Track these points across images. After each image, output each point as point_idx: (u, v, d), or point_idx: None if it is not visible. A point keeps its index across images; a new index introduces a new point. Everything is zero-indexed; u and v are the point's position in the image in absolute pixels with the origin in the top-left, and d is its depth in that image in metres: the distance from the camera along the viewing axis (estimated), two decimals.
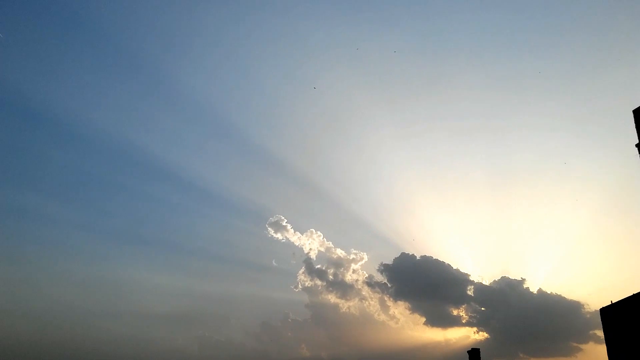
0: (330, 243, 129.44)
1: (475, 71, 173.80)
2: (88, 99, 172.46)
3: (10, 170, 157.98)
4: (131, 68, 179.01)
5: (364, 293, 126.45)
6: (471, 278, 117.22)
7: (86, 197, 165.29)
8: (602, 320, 51.00)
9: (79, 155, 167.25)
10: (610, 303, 49.78)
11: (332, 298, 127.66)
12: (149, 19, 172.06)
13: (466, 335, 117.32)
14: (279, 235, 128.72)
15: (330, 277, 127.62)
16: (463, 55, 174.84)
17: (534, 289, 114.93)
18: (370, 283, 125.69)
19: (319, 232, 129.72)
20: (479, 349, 69.59)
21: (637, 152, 43.21)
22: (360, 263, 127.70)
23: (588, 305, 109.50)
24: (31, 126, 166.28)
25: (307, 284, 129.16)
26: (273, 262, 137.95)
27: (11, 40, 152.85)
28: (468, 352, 69.18)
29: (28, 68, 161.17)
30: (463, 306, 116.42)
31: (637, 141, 43.07)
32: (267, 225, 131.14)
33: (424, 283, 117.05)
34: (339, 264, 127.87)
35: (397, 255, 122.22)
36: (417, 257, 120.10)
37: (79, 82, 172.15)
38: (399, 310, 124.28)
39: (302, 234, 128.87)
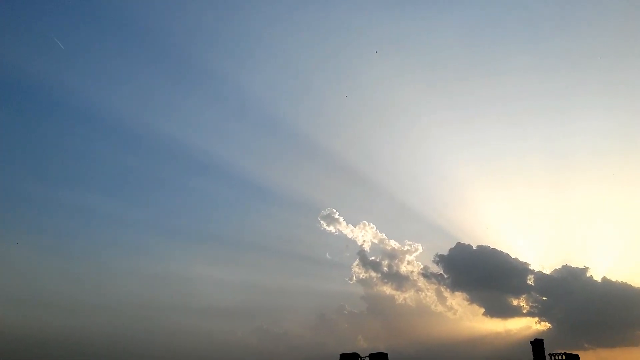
0: (384, 235, 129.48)
1: (528, 50, 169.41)
2: (154, 106, 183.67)
3: (82, 175, 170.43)
4: (181, 66, 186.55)
5: (419, 284, 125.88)
6: (531, 267, 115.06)
7: (153, 199, 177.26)
8: None
9: (146, 160, 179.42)
10: None
11: (387, 290, 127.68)
12: (198, 18, 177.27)
13: (527, 325, 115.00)
14: (331, 228, 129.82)
15: (385, 268, 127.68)
16: (515, 35, 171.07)
17: (597, 277, 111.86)
18: (425, 274, 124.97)
19: (371, 224, 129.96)
20: (542, 339, 68.55)
21: None
22: (415, 254, 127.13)
23: None
24: (99, 133, 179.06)
25: (361, 276, 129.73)
26: (327, 254, 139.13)
27: (82, 52, 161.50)
28: (531, 342, 68.17)
29: (94, 77, 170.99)
30: (523, 296, 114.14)
31: None
32: (319, 219, 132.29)
33: (481, 273, 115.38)
34: (393, 255, 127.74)
35: (453, 245, 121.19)
36: (474, 247, 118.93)
37: (145, 90, 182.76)
38: (457, 301, 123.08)
39: (354, 226, 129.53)
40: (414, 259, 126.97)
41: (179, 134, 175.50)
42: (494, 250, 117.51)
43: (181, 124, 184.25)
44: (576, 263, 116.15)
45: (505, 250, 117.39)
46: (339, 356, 70.35)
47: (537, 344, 67.78)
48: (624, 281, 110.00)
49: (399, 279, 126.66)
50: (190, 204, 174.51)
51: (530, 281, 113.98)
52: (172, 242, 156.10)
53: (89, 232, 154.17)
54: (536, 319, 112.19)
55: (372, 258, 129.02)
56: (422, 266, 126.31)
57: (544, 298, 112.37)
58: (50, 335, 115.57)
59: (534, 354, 67.65)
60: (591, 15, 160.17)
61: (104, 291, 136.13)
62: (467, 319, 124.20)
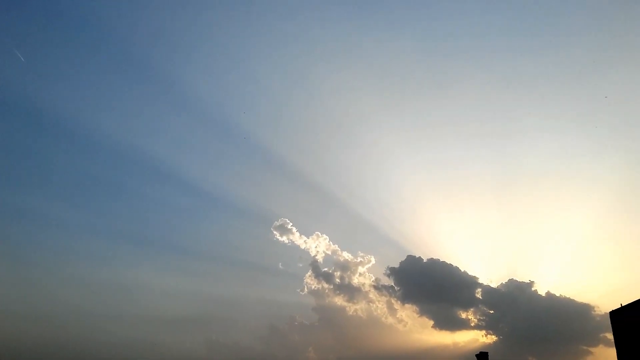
0: (337, 246, 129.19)
1: (481, 73, 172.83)
2: (92, 102, 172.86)
3: (15, 173, 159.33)
4: (135, 71, 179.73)
5: (371, 296, 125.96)
6: (479, 281, 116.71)
7: (91, 200, 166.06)
8: (611, 323, 50.42)
9: (84, 158, 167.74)
10: (620, 306, 49.23)
11: (339, 301, 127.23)
12: (152, 22, 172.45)
13: (475, 338, 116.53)
14: (284, 239, 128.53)
15: (337, 280, 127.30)
16: (468, 58, 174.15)
17: (542, 292, 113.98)
18: (377, 286, 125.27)
19: (324, 235, 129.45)
20: (487, 352, 68.89)
21: None
22: (367, 266, 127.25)
23: (598, 307, 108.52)
24: (35, 129, 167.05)
25: (313, 287, 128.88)
26: (279, 265, 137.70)
27: (14, 44, 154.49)
28: (476, 355, 68.50)
29: (32, 71, 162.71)
30: (471, 309, 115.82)
31: None
32: (272, 229, 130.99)
33: (431, 286, 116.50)
34: (345, 267, 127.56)
35: (404, 258, 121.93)
36: (424, 260, 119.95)
37: (83, 85, 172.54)
38: (407, 313, 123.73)
39: (307, 237, 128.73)
40: (366, 271, 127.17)
41: (133, 140, 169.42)
42: (444, 263, 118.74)
43: (136, 129, 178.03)
44: (522, 277, 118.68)
45: (454, 264, 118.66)
46: None
47: (482, 357, 68.15)
48: (568, 296, 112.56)
49: (351, 291, 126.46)
50: (141, 211, 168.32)
51: (479, 294, 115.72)
52: (118, 249, 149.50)
53: (32, 236, 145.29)
54: (483, 332, 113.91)
55: (325, 269, 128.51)
56: (373, 278, 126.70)
57: (491, 311, 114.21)
58: None
59: None
60: (540, 38, 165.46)
61: (47, 298, 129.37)
62: (417, 331, 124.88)
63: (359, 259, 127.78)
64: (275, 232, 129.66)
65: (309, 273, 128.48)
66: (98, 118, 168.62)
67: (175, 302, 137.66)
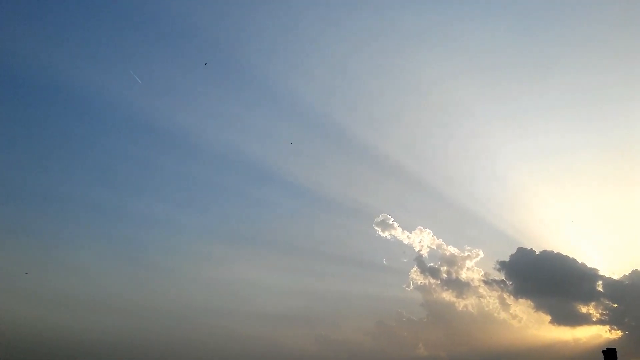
0: (441, 240, 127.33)
1: (585, 50, 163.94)
2: (215, 117, 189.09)
3: (143, 184, 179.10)
4: (241, 80, 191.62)
5: (481, 291, 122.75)
6: (600, 273, 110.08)
7: (210, 206, 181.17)
8: None
9: (204, 168, 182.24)
10: None
11: (447, 296, 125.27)
12: (251, 26, 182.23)
13: (598, 334, 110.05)
14: (386, 234, 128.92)
15: (444, 275, 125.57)
16: (570, 35, 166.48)
17: None
18: (487, 281, 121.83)
19: (428, 230, 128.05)
20: (614, 348, 65.31)
21: None
22: (475, 260, 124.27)
23: None
24: (160, 144, 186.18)
25: (419, 282, 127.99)
26: (383, 260, 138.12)
27: (145, 64, 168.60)
28: (603, 352, 65.08)
29: (157, 89, 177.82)
30: (592, 303, 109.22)
31: None
32: (373, 225, 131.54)
33: (546, 279, 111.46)
34: (452, 261, 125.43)
35: (513, 250, 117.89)
36: (537, 252, 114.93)
37: (205, 101, 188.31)
38: (521, 308, 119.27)
39: (410, 232, 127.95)
40: (474, 265, 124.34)
41: (238, 143, 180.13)
42: (559, 255, 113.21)
43: (239, 132, 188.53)
44: None
45: (571, 255, 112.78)
46: None
47: (609, 354, 64.56)
48: None
49: (459, 286, 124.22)
50: (249, 211, 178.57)
51: (600, 287, 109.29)
52: (232, 249, 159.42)
53: (155, 239, 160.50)
54: (607, 327, 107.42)
55: (431, 264, 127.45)
56: (483, 272, 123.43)
57: (614, 305, 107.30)
58: (114, 339, 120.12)
59: None
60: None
61: (168, 296, 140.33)
62: (533, 327, 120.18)
63: (466, 253, 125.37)
64: (377, 228, 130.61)
65: (414, 268, 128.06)
66: (213, 129, 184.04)
67: (286, 300, 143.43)
